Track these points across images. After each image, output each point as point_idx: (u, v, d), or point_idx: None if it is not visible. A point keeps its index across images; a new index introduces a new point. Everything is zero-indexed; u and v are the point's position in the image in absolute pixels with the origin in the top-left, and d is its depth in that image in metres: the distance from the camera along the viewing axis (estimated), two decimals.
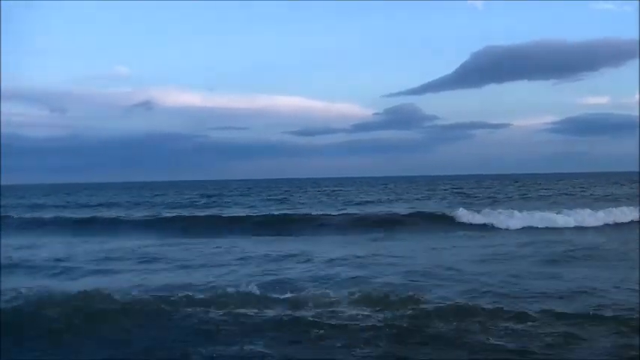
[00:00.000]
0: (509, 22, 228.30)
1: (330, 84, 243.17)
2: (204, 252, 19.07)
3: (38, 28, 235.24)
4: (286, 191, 66.21)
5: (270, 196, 56.95)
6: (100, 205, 49.13)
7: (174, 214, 34.80)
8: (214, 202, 50.50)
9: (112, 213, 37.90)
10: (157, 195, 66.55)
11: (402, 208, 34.72)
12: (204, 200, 52.99)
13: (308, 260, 16.36)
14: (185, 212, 36.99)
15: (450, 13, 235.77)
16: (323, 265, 15.45)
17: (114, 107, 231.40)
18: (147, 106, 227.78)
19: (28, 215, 36.87)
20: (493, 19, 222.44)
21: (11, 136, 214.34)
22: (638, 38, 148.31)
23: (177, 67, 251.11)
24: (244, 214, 33.48)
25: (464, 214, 28.47)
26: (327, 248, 19.38)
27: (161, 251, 19.36)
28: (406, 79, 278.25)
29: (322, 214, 31.90)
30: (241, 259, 17.25)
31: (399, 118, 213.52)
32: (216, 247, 20.20)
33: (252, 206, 41.92)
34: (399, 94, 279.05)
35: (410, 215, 30.13)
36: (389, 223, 27.57)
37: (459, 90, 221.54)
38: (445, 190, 62.10)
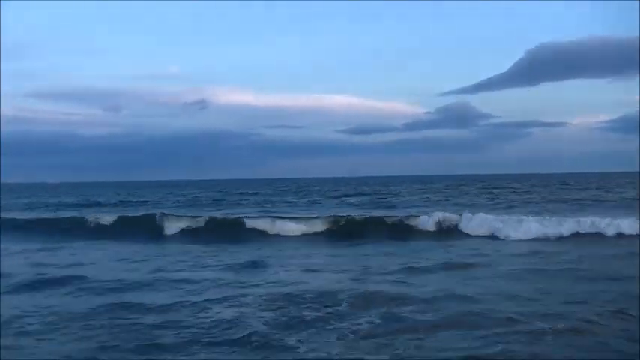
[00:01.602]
0: (564, 19, 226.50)
1: (381, 83, 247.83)
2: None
3: (92, 28, 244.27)
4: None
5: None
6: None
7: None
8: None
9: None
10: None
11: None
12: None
13: None
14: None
15: (503, 11, 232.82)
16: None
17: (167, 106, 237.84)
18: (200, 104, 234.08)
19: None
20: (547, 17, 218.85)
21: (67, 134, 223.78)
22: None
23: (230, 66, 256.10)
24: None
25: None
26: None
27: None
28: (458, 78, 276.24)
29: None
30: None
31: (451, 116, 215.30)
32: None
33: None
34: (451, 92, 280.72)
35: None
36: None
37: (514, 88, 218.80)
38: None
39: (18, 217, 34.39)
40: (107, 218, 31.19)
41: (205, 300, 11.56)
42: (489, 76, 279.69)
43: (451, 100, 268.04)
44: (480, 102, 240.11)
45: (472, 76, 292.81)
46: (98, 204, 50.41)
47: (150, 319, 10.09)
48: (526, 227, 23.55)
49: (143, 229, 27.72)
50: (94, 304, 11.30)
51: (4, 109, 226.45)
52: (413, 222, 26.87)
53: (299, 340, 8.70)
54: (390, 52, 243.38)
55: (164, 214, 30.22)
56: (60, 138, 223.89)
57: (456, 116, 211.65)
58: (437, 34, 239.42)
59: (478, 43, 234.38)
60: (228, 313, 10.43)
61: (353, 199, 48.48)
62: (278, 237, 25.76)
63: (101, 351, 8.38)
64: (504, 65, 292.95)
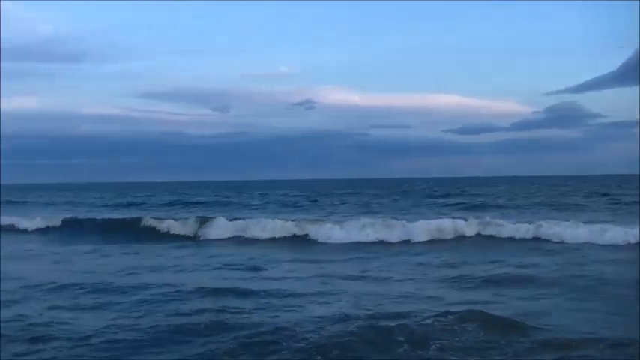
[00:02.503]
0: None
1: (486, 82, 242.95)
2: None
3: (199, 28, 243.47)
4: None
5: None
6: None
7: None
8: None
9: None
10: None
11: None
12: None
13: None
14: None
15: (608, 8, 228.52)
16: None
17: (275, 106, 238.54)
18: (307, 104, 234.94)
19: None
20: None
21: (175, 134, 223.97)
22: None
23: (337, 65, 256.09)
24: None
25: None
26: None
27: None
28: (566, 77, 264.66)
29: None
30: None
31: (560, 116, 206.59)
32: None
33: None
34: (558, 92, 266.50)
35: None
36: None
37: (624, 87, 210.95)
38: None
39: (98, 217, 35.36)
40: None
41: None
42: (597, 75, 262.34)
43: (557, 99, 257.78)
44: (589, 101, 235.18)
45: (580, 75, 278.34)
46: (195, 204, 50.57)
47: None
48: None
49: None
50: None
51: (114, 110, 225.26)
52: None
53: None
54: (495, 51, 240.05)
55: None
56: (168, 138, 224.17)
57: (564, 115, 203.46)
58: (542, 32, 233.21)
59: (585, 41, 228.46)
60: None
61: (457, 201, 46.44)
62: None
63: None
64: (614, 64, 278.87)
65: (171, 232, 28.10)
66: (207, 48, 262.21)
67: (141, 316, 10.23)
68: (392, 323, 9.10)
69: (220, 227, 27.11)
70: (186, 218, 30.12)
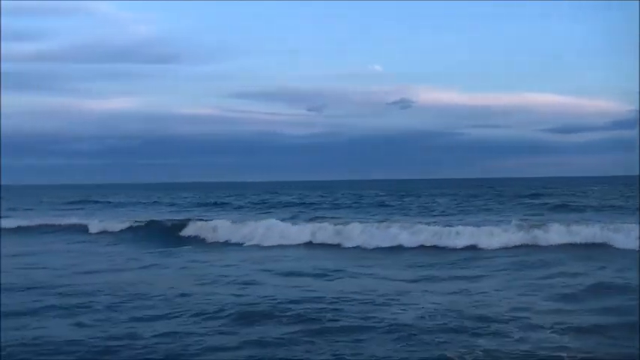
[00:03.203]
0: None
1: (581, 80, 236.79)
2: None
3: (293, 27, 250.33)
4: None
5: None
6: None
7: None
8: None
9: None
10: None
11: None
12: None
13: None
14: None
15: None
16: None
17: (370, 105, 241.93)
18: (403, 104, 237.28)
19: None
20: None
21: (271, 134, 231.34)
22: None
23: (432, 64, 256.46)
24: None
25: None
26: None
27: None
28: None
29: None
30: None
31: None
32: None
33: None
34: None
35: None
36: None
37: None
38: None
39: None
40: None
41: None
42: None
43: None
44: None
45: None
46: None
47: None
48: None
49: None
50: None
51: (209, 110, 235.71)
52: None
53: None
54: (587, 50, 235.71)
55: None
56: (263, 138, 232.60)
57: None
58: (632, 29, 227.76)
59: None
60: None
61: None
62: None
63: None
64: None
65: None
66: (301, 48, 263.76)
67: None
68: None
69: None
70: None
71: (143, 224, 30.72)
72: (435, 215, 34.25)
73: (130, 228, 30.09)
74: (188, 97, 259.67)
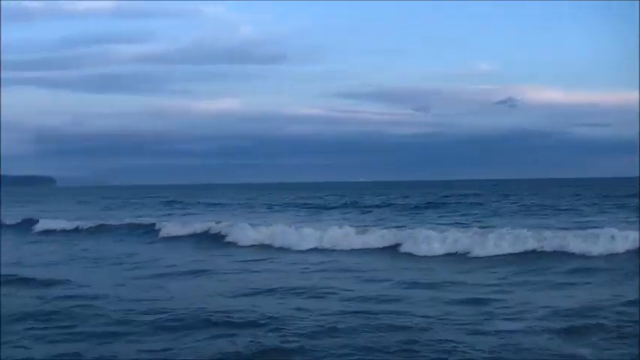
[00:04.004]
0: None
1: None
2: None
3: (398, 28, 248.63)
4: None
5: None
6: None
7: None
8: None
9: None
10: None
11: None
12: None
13: None
14: None
15: None
16: None
17: (476, 104, 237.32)
18: (509, 103, 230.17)
19: None
20: None
21: (376, 133, 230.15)
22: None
23: (538, 63, 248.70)
24: None
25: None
26: None
27: None
28: None
29: None
30: None
31: None
32: None
33: None
34: None
35: None
36: None
37: None
38: None
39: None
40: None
41: None
42: None
43: None
44: None
45: None
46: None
47: None
48: None
49: None
50: None
51: (315, 110, 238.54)
52: None
53: None
54: None
55: None
56: (369, 137, 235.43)
57: None
58: None
59: None
60: None
61: None
62: None
63: None
64: None
65: None
66: (406, 47, 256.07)
67: None
68: None
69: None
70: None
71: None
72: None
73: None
74: (294, 97, 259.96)
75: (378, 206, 47.88)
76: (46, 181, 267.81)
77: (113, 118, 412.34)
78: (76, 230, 31.30)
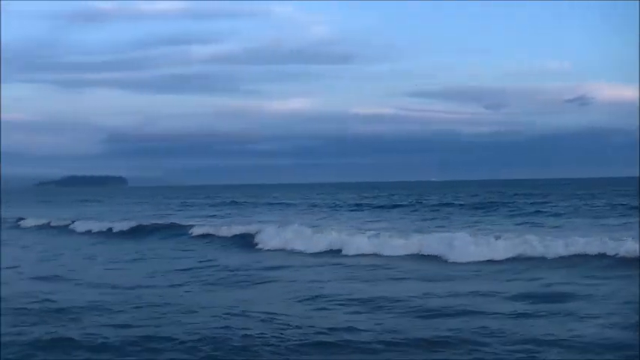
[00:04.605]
0: None
1: None
2: None
3: (467, 27, 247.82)
4: None
5: None
6: None
7: None
8: None
9: None
10: None
11: None
12: None
13: None
14: None
15: None
16: None
17: (547, 103, 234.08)
18: (581, 101, 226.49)
19: None
20: None
21: (447, 132, 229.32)
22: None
23: (612, 59, 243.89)
24: None
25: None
26: None
27: None
28: None
29: None
30: None
31: None
32: None
33: None
34: None
35: None
36: None
37: None
38: None
39: None
40: None
41: None
42: None
43: None
44: None
45: None
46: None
47: None
48: None
49: None
50: None
51: (386, 109, 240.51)
52: None
53: None
54: None
55: None
56: (441, 136, 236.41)
57: None
58: None
59: None
60: None
61: None
62: None
63: None
64: None
65: None
66: (476, 46, 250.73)
67: None
68: None
69: None
70: None
71: None
72: None
73: None
74: (365, 96, 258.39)
75: (446, 205, 45.60)
76: (117, 182, 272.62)
77: (184, 119, 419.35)
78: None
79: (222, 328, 9.53)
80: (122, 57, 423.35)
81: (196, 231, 26.42)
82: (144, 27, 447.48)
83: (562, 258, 16.26)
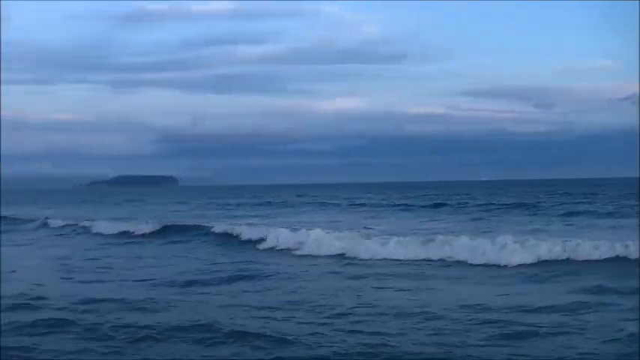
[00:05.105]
0: None
1: None
2: None
3: (515, 25, 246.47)
4: None
5: None
6: None
7: None
8: None
9: None
10: None
11: None
12: None
13: None
14: None
15: None
16: None
17: (598, 102, 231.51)
18: (633, 99, 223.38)
19: None
20: None
21: (497, 132, 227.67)
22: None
23: None
24: None
25: None
26: None
27: None
28: None
29: None
30: None
31: None
32: None
33: None
34: None
35: None
36: None
37: None
38: None
39: None
40: None
41: None
42: None
43: None
44: None
45: None
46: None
47: None
48: None
49: None
50: None
51: (437, 109, 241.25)
52: None
53: None
54: None
55: None
56: (491, 136, 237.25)
57: None
58: None
59: None
60: None
61: None
62: None
63: None
64: None
65: None
66: (525, 45, 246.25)
67: None
68: None
69: None
70: None
71: None
72: None
73: None
74: (415, 96, 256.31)
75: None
76: (168, 181, 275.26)
77: (233, 118, 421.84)
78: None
79: None
80: (173, 57, 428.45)
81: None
82: (194, 27, 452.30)
83: None
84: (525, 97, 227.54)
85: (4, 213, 41.74)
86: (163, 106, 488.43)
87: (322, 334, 9.50)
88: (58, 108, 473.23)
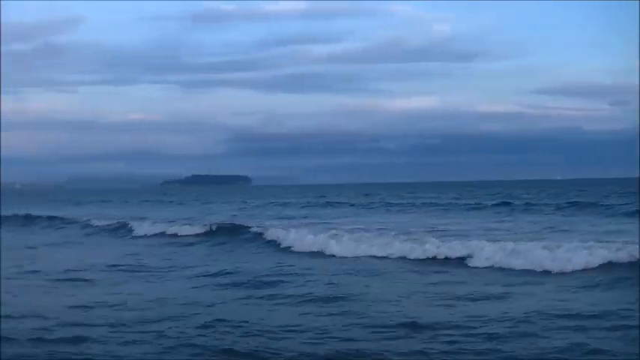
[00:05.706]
0: None
1: None
2: None
3: (600, 21, 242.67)
4: None
5: None
6: None
7: None
8: None
9: None
10: None
11: None
12: None
13: None
14: None
15: None
16: None
17: None
18: None
19: None
20: None
21: (572, 130, 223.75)
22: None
23: None
24: None
25: None
26: None
27: None
28: None
29: None
30: None
31: None
32: None
33: None
34: None
35: None
36: None
37: None
38: None
39: None
40: None
41: None
42: None
43: None
44: None
45: None
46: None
47: None
48: None
49: None
50: None
51: (509, 107, 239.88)
52: None
53: None
54: None
55: None
56: (565, 134, 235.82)
57: None
58: None
59: None
60: None
61: None
62: None
63: None
64: None
65: None
66: (600, 42, 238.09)
67: None
68: None
69: None
70: None
71: None
72: None
73: None
74: (488, 94, 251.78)
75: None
76: (241, 181, 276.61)
77: (304, 118, 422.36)
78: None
79: None
80: (244, 57, 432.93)
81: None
82: (265, 27, 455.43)
83: None
84: (600, 95, 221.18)
85: (51, 213, 42.32)
86: (236, 106, 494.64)
87: None
88: (132, 108, 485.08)
